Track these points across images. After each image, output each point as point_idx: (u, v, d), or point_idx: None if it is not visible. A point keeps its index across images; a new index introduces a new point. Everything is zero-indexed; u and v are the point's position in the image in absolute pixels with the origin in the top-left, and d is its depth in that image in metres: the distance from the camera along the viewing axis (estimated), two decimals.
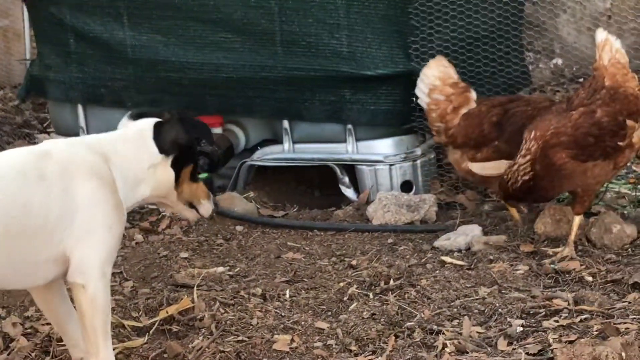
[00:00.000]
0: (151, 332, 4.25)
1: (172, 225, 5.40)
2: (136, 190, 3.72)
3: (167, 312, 4.34)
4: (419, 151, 5.70)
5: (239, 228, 5.36)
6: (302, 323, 4.28)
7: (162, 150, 3.72)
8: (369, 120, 5.64)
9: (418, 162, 5.68)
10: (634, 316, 4.12)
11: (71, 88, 6.01)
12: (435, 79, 5.15)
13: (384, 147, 5.69)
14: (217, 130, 5.92)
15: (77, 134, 6.03)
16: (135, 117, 3.84)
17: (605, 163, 4.77)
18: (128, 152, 3.69)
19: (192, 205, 3.92)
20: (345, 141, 5.70)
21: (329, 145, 5.74)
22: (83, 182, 3.50)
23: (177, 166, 3.77)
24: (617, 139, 4.77)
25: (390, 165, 5.65)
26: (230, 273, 4.81)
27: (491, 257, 4.78)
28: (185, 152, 3.77)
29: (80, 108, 6.05)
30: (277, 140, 5.88)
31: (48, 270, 3.47)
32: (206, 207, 3.93)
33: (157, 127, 3.74)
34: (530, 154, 4.72)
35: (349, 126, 5.67)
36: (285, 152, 5.81)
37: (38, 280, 3.52)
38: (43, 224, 3.41)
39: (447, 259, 4.81)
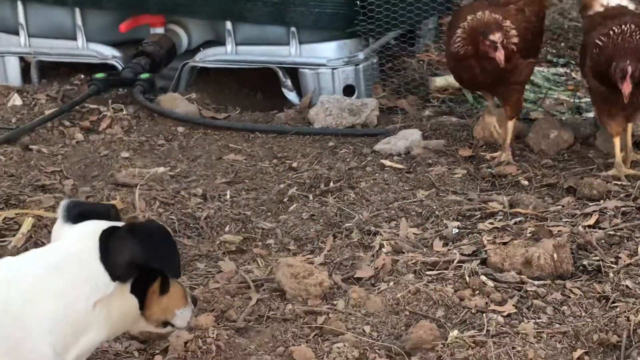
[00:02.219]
0: None
1: (113, 125, 5.37)
2: (81, 340, 2.78)
3: None
4: (361, 55, 5.70)
5: (180, 129, 5.35)
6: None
7: (116, 277, 2.78)
8: (312, 23, 5.61)
9: (360, 66, 5.68)
10: (566, 219, 4.22)
11: None
12: None
13: (327, 50, 5.67)
14: (159, 30, 5.87)
15: (16, 32, 5.95)
16: (74, 216, 2.87)
17: (533, 63, 4.78)
18: (62, 290, 2.72)
19: (165, 322, 2.98)
20: (288, 44, 5.68)
21: (272, 47, 5.71)
22: None
23: (139, 288, 2.84)
24: (540, 40, 4.81)
25: (333, 69, 5.65)
26: (171, 173, 4.82)
27: (430, 161, 4.83)
28: (147, 271, 2.83)
29: (19, 4, 5.93)
30: (219, 41, 5.84)
31: None
32: (183, 317, 3.00)
33: (103, 241, 2.77)
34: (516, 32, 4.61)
35: (293, 29, 5.64)
36: (227, 53, 5.78)
37: None
38: None
39: (387, 162, 4.85)
